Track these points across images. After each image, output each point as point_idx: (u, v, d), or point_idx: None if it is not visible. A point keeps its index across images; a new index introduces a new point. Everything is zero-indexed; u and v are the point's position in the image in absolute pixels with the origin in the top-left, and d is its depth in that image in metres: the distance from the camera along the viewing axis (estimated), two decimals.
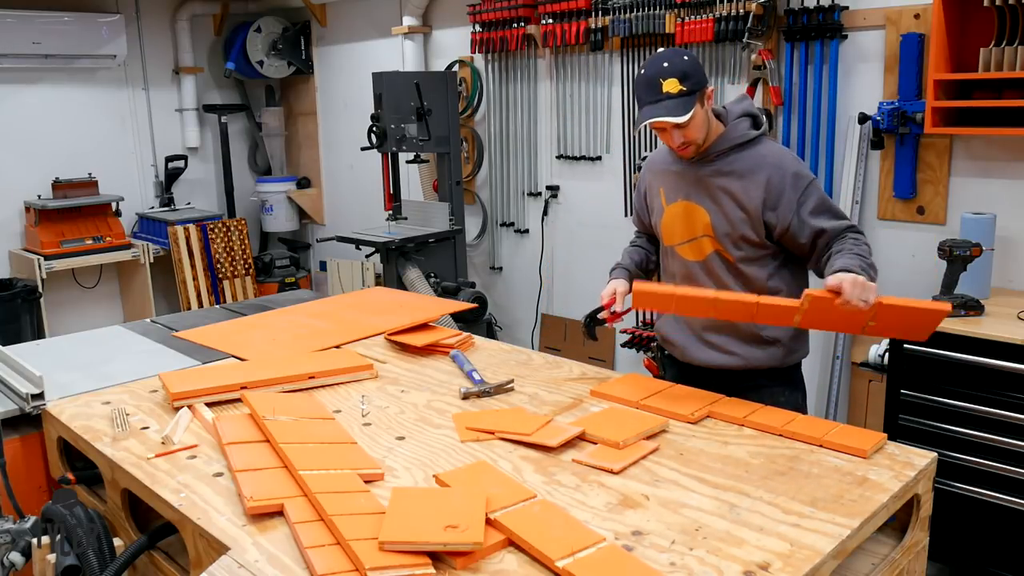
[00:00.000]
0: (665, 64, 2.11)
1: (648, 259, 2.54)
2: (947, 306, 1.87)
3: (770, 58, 3.66)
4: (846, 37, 3.51)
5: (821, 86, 3.59)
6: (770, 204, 2.17)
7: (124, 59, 5.83)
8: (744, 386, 2.24)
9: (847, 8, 3.47)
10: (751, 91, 3.72)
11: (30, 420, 2.22)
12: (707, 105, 2.17)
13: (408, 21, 5.31)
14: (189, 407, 2.10)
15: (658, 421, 1.94)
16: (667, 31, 3.97)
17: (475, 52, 4.94)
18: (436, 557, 1.40)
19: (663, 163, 2.38)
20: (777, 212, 2.17)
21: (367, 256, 4.91)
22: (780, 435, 1.88)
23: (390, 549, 1.38)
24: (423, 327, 2.73)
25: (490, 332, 4.73)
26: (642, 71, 2.17)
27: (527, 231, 5.07)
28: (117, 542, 1.82)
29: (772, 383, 2.32)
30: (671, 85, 2.08)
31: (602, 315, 2.36)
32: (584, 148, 4.64)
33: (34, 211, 5.50)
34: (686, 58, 2.13)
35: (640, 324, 4.42)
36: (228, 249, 6.07)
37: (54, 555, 1.76)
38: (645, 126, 2.14)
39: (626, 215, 4.49)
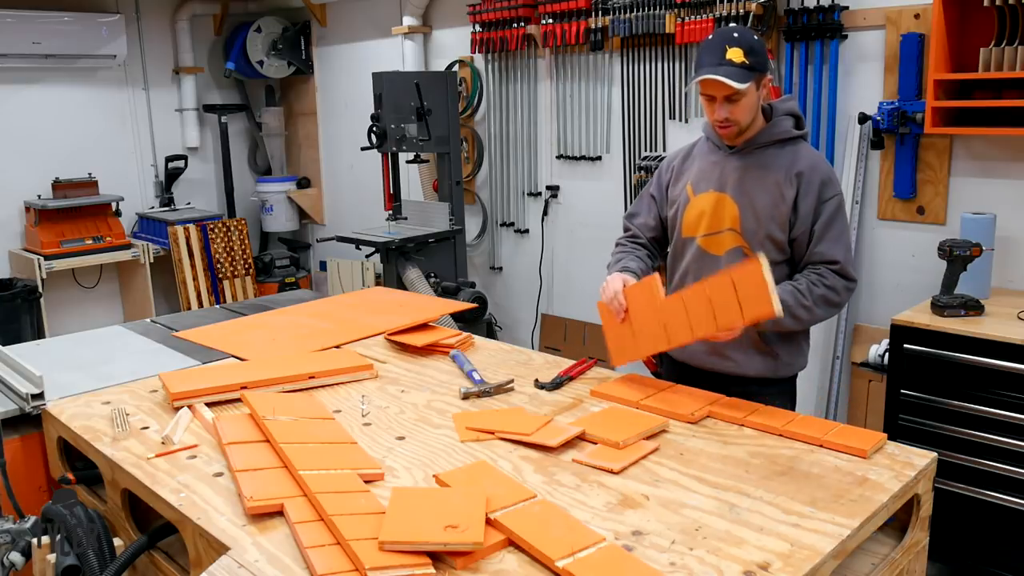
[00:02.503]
0: (735, 34, 2.09)
1: (650, 269, 2.42)
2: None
3: (770, 58, 3.65)
4: (846, 37, 3.51)
5: (821, 86, 3.59)
6: (796, 205, 2.17)
7: (124, 59, 5.84)
8: (735, 391, 2.17)
9: (847, 8, 3.47)
10: None
11: (30, 420, 2.22)
12: (761, 93, 2.14)
13: (408, 21, 5.31)
14: (189, 407, 2.10)
15: (658, 421, 1.94)
16: (667, 31, 3.97)
17: (475, 52, 4.94)
18: (436, 557, 1.40)
19: (698, 152, 2.34)
20: (798, 214, 2.17)
21: (367, 256, 4.91)
22: (780, 435, 1.88)
23: (390, 549, 1.38)
24: (423, 327, 2.73)
25: (490, 332, 4.73)
26: (708, 37, 2.16)
27: (527, 231, 5.07)
28: (117, 542, 1.82)
29: (763, 389, 2.26)
30: (735, 54, 2.05)
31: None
32: (584, 148, 4.64)
33: (34, 211, 5.50)
34: (756, 37, 2.12)
35: None
36: (228, 249, 6.07)
37: (54, 555, 1.76)
38: (696, 87, 2.12)
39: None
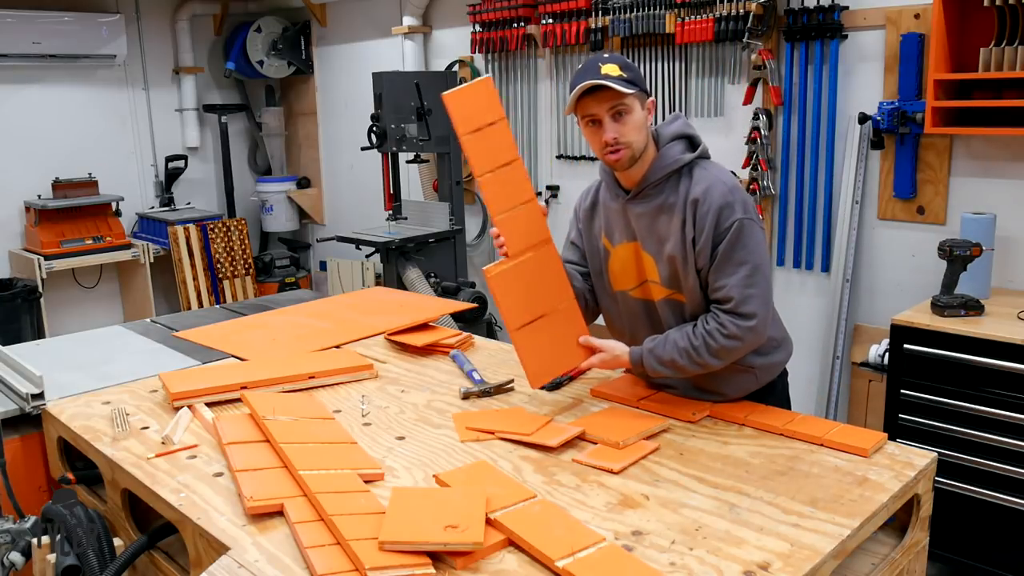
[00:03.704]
0: (605, 55, 1.98)
1: (583, 295, 2.19)
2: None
3: (770, 58, 3.66)
4: (846, 37, 3.51)
5: (821, 86, 3.59)
6: (695, 240, 1.94)
7: (124, 59, 5.83)
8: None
9: (847, 8, 3.47)
10: (751, 91, 3.72)
11: (30, 420, 2.22)
12: (647, 117, 1.98)
13: (408, 21, 5.31)
14: (189, 407, 2.10)
15: (658, 421, 1.95)
16: (667, 31, 3.97)
17: (475, 52, 4.94)
18: (436, 557, 1.40)
19: (602, 198, 2.15)
20: (697, 250, 1.94)
21: (367, 256, 4.91)
22: (780, 435, 1.88)
23: (390, 549, 1.39)
24: (423, 327, 2.73)
25: (490, 332, 4.73)
26: (577, 68, 2.02)
27: None
28: (117, 542, 1.82)
29: (749, 396, 2.14)
30: (611, 69, 1.92)
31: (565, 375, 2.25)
32: (584, 148, 4.63)
33: (34, 211, 5.50)
34: (629, 61, 1.99)
35: None
36: (228, 249, 6.07)
37: (54, 555, 1.76)
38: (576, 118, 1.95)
39: None
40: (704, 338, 1.93)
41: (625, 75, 1.93)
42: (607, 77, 1.90)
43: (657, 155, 2.00)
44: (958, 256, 2.91)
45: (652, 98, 2.01)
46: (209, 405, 2.13)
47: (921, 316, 2.92)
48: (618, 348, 2.06)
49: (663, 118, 4.21)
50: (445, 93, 1.95)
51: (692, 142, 2.03)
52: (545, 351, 2.02)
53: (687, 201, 1.95)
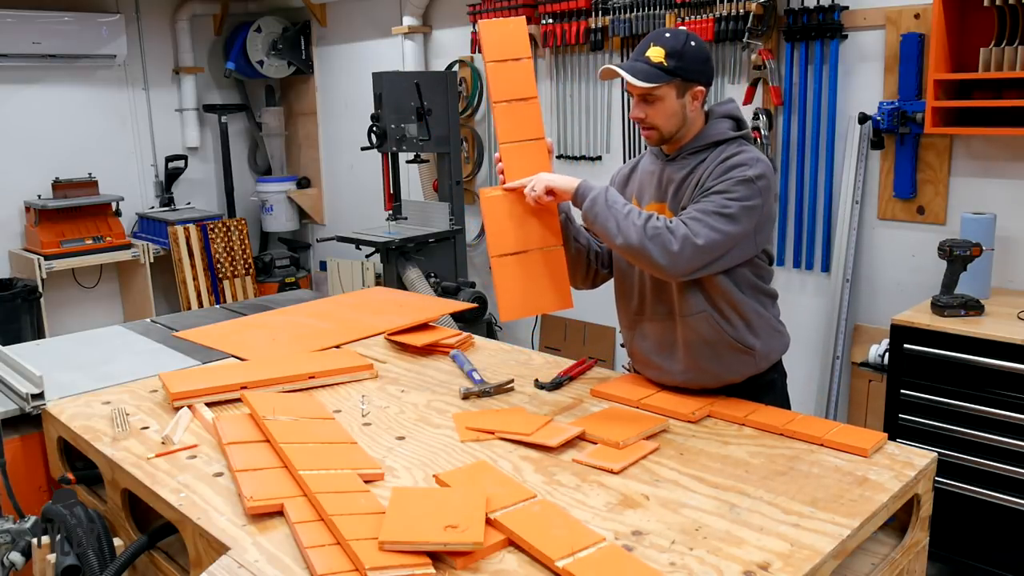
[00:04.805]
0: (667, 35, 1.99)
1: (587, 253, 2.22)
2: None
3: (770, 58, 3.66)
4: (846, 37, 3.51)
5: (821, 86, 3.59)
6: (702, 183, 1.98)
7: (124, 59, 5.84)
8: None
9: (847, 8, 3.47)
10: (751, 91, 3.72)
11: (30, 420, 2.22)
12: (690, 104, 2.00)
13: (408, 21, 5.31)
14: (189, 407, 2.11)
15: (658, 421, 1.95)
16: None
17: (475, 52, 4.94)
18: (436, 557, 1.40)
19: (643, 163, 2.21)
20: (699, 188, 1.99)
21: (367, 256, 4.91)
22: (781, 435, 1.88)
23: (390, 549, 1.39)
24: (423, 327, 2.73)
25: (490, 332, 4.73)
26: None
27: None
28: (117, 542, 1.82)
29: (749, 395, 2.13)
30: (656, 53, 1.96)
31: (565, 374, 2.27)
32: (584, 148, 4.64)
33: (34, 211, 5.50)
34: (692, 44, 1.99)
35: None
36: (228, 249, 6.07)
37: (54, 555, 1.76)
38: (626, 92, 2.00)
39: None
40: (652, 215, 1.94)
41: (667, 63, 1.96)
42: (645, 61, 1.97)
43: (704, 126, 2.07)
44: (958, 256, 2.92)
45: (703, 90, 2.02)
46: (209, 405, 2.13)
47: (921, 316, 2.92)
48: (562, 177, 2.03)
49: None
50: (482, 21, 2.04)
51: (739, 124, 2.10)
52: (522, 287, 2.02)
53: (718, 160, 2.00)
